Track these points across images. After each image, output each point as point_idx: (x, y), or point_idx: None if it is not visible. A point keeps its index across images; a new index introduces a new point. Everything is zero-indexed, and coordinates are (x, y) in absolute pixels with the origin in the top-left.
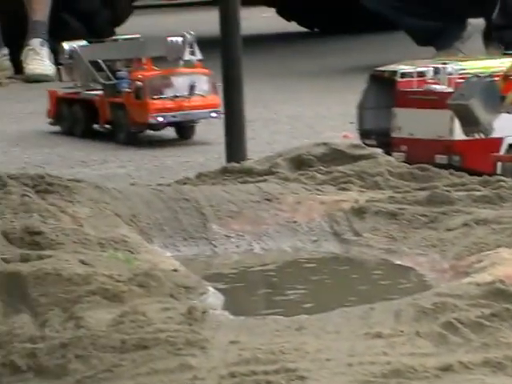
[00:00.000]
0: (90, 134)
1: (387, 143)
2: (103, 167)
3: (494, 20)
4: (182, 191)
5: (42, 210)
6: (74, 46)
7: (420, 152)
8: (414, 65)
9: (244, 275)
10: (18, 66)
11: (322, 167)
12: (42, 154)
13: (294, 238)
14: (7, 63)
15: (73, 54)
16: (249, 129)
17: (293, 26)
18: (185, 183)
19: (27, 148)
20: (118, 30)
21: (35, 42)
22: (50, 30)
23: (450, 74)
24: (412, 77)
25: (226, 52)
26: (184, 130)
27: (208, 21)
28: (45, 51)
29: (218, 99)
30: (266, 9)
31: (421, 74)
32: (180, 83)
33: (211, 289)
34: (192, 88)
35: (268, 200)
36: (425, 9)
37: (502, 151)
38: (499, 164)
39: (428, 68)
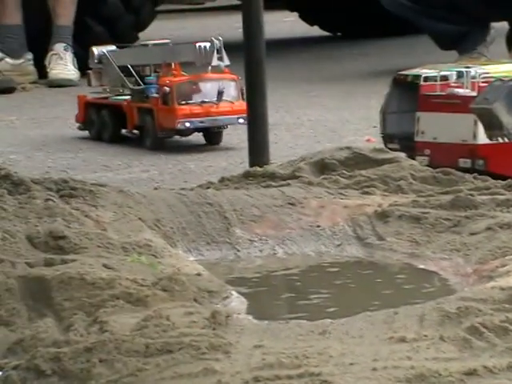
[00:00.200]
0: (118, 139)
1: (410, 147)
2: (126, 171)
3: None
4: (205, 195)
5: (66, 214)
6: (104, 50)
7: (443, 156)
8: (436, 68)
9: (267, 279)
10: (42, 71)
11: (345, 171)
12: (66, 158)
13: (318, 242)
14: (31, 68)
15: (102, 58)
16: (271, 133)
17: (315, 31)
18: (208, 187)
19: (51, 153)
20: (140, 34)
21: (59, 47)
22: (73, 35)
23: (474, 77)
24: (435, 81)
25: (250, 55)
26: (212, 136)
27: (230, 25)
28: (68, 56)
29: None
30: (288, 13)
31: (444, 78)
32: (208, 89)
33: (234, 293)
34: (220, 94)
35: (291, 204)
36: (448, 12)
37: None
38: None
39: (451, 72)
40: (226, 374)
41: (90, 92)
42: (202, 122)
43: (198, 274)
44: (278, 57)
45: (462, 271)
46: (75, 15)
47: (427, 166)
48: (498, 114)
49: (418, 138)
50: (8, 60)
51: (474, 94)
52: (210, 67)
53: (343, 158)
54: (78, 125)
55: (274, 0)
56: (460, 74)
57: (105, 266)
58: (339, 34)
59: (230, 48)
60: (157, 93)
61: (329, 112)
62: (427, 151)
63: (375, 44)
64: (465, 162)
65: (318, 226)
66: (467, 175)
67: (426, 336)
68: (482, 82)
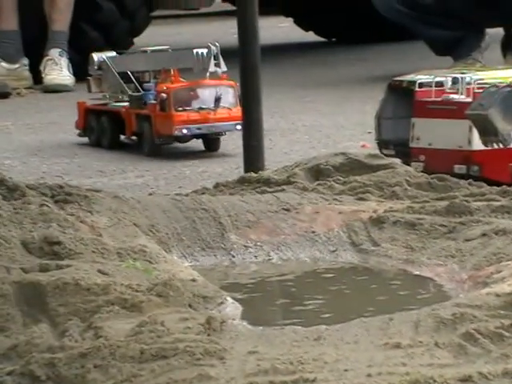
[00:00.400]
0: (117, 146)
1: (405, 153)
2: (121, 177)
3: None
4: (200, 201)
5: (61, 219)
6: (104, 56)
7: (439, 162)
8: (432, 74)
9: (262, 285)
10: (37, 76)
11: (340, 177)
12: (61, 164)
13: (313, 247)
14: (27, 73)
15: (102, 64)
16: (266, 138)
17: (310, 36)
18: (203, 193)
19: (46, 158)
20: (136, 40)
21: (54, 52)
22: (69, 41)
23: (469, 83)
24: (430, 87)
25: (245, 61)
26: (210, 143)
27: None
28: (64, 61)
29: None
30: (283, 19)
31: (439, 84)
32: (206, 95)
33: (229, 299)
34: (218, 100)
35: (286, 210)
36: (443, 19)
37: None
38: None
39: (446, 78)
40: (220, 380)
41: (89, 98)
42: (199, 128)
43: (193, 280)
44: (273, 62)
45: (457, 277)
46: (70, 21)
47: (422, 172)
48: (493, 120)
49: (413, 144)
50: (4, 65)
51: (469, 100)
52: (207, 73)
53: (338, 163)
54: (77, 131)
55: (269, 5)
56: (455, 80)
57: (100, 271)
58: (334, 39)
59: (226, 54)
60: (155, 99)
61: (324, 117)
62: (422, 157)
63: (370, 49)
64: (460, 168)
65: (313, 232)
66: (462, 181)
67: (421, 342)
68: (477, 88)
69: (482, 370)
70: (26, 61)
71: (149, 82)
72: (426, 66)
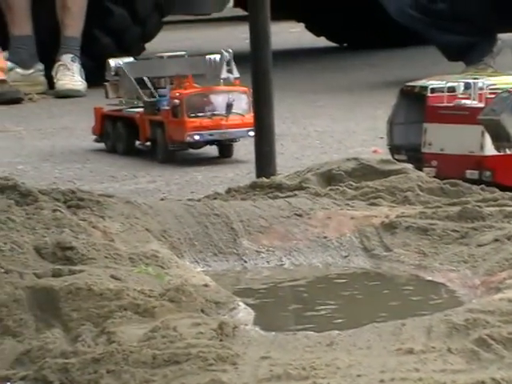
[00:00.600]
0: (132, 152)
1: (417, 158)
2: (133, 182)
3: None
4: (212, 206)
5: (74, 225)
6: (120, 62)
7: (451, 167)
8: (444, 80)
9: (274, 290)
10: (49, 82)
11: (352, 182)
12: (73, 169)
13: (325, 253)
14: (42, 78)
15: (118, 70)
16: (278, 144)
17: (322, 41)
18: (215, 198)
19: (58, 163)
20: (147, 46)
21: (66, 58)
22: (81, 46)
23: (481, 89)
24: (442, 92)
25: (257, 66)
26: (223, 149)
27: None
28: (76, 67)
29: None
30: (294, 24)
31: (451, 89)
32: (218, 101)
33: (242, 304)
34: (229, 106)
35: (298, 215)
36: (456, 24)
37: None
38: None
39: (458, 83)
40: None
41: (106, 104)
42: (211, 134)
43: (205, 285)
44: (285, 67)
45: (470, 283)
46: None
47: (434, 177)
48: (505, 126)
49: (425, 150)
50: (18, 70)
51: (482, 105)
52: (219, 79)
53: (350, 169)
54: (94, 137)
55: (280, 11)
56: (467, 86)
57: (112, 276)
58: (345, 44)
59: (237, 59)
60: (168, 105)
61: (335, 123)
62: (434, 162)
63: (382, 55)
64: (472, 174)
65: (325, 237)
66: (474, 187)
67: (433, 348)
68: (490, 94)
69: (494, 375)
70: (40, 66)
71: (164, 87)
72: (437, 72)
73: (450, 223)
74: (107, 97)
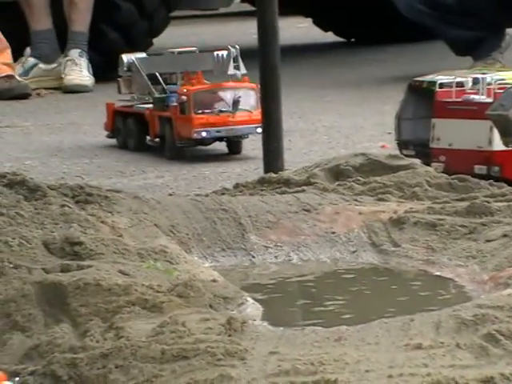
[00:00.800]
0: (143, 148)
1: (426, 154)
2: (141, 178)
3: None
4: (220, 201)
5: (82, 220)
6: (133, 58)
7: (459, 162)
8: (452, 75)
9: (282, 286)
10: None
11: (360, 178)
12: (81, 164)
13: (333, 248)
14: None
15: (131, 66)
16: (286, 139)
17: (329, 36)
18: (223, 193)
19: (66, 158)
20: (154, 41)
21: (74, 53)
22: (88, 41)
23: (489, 84)
24: (451, 87)
25: (264, 61)
26: (232, 145)
27: (244, 31)
28: (83, 62)
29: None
30: (302, 19)
31: (460, 85)
32: (226, 98)
33: (250, 299)
34: (235, 103)
35: (306, 210)
36: (464, 19)
37: None
38: None
39: (467, 78)
40: (241, 381)
41: (118, 100)
42: (218, 131)
43: (214, 281)
44: (292, 63)
45: (478, 278)
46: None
47: (442, 172)
48: None
49: (433, 145)
50: (41, 66)
51: (490, 100)
52: (226, 76)
53: (358, 164)
54: (102, 132)
55: (288, 6)
56: (476, 81)
57: (121, 272)
58: (353, 39)
59: (244, 54)
60: (176, 101)
61: (343, 118)
62: (442, 158)
63: (389, 50)
64: (480, 169)
65: (333, 233)
66: (483, 182)
67: (442, 343)
68: (498, 89)
69: (503, 371)
70: (63, 59)
71: (176, 83)
72: (445, 67)
73: (459, 218)
74: (120, 92)
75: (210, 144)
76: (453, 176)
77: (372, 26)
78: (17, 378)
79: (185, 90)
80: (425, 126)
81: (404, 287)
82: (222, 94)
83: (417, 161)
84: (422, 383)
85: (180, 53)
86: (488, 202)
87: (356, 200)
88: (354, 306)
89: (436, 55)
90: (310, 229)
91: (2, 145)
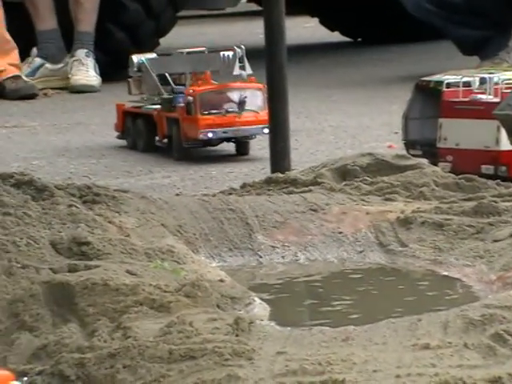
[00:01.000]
0: (152, 149)
1: (433, 153)
2: (148, 177)
3: None
4: (227, 201)
5: (89, 220)
6: (143, 58)
7: (466, 162)
8: (459, 75)
9: (290, 286)
10: None
11: (367, 178)
12: (88, 164)
13: (340, 248)
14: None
15: (141, 66)
16: (292, 139)
17: (336, 36)
18: (230, 193)
19: (73, 158)
20: (161, 41)
21: (81, 53)
22: (95, 41)
23: (497, 83)
24: (458, 87)
25: (271, 61)
26: (240, 146)
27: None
28: (90, 62)
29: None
30: (308, 19)
31: (467, 84)
32: (233, 98)
33: (257, 299)
34: (242, 104)
35: (313, 210)
36: (472, 18)
37: None
38: None
39: (474, 78)
40: (249, 381)
41: (127, 101)
42: (225, 132)
43: (221, 280)
44: (299, 62)
45: (486, 278)
46: (96, 21)
47: (450, 172)
48: None
49: (440, 145)
50: (47, 66)
51: (497, 100)
52: (232, 76)
53: (365, 164)
54: (109, 132)
55: (294, 5)
56: (483, 81)
57: (128, 271)
58: (360, 39)
59: (251, 54)
60: (183, 102)
61: (350, 118)
62: (450, 157)
63: (396, 49)
64: (487, 169)
65: (340, 233)
66: (490, 182)
67: (450, 343)
68: (505, 88)
69: (511, 371)
70: (69, 59)
71: (184, 84)
72: (452, 66)
73: (466, 218)
74: (130, 93)
75: (217, 145)
76: (460, 176)
77: (378, 26)
78: (25, 378)
79: (191, 91)
80: (432, 126)
81: (411, 287)
82: (228, 94)
83: (424, 161)
84: (429, 383)
85: (189, 53)
86: (495, 201)
87: (363, 200)
88: (361, 306)
89: (443, 55)
90: (317, 229)
91: (9, 145)
